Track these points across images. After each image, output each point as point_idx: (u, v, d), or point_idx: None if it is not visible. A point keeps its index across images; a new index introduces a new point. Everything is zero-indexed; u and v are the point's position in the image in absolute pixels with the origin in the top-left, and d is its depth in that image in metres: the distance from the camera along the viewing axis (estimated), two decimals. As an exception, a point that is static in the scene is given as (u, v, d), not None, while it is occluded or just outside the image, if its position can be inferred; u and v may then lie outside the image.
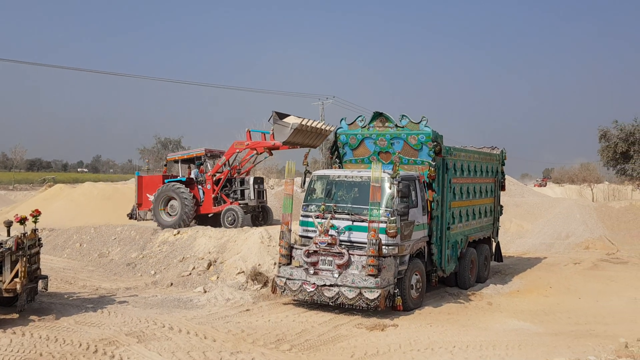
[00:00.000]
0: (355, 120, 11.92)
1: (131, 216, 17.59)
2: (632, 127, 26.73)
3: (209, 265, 12.43)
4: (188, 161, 17.40)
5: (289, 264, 10.32)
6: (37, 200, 29.46)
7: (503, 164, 15.21)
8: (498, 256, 15.22)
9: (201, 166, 16.88)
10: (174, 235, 14.24)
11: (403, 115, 11.41)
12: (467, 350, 7.94)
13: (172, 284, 11.93)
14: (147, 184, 17.05)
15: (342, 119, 12.29)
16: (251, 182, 16.16)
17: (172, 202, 15.95)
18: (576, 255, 18.01)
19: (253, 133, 16.19)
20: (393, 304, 9.78)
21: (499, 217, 15.14)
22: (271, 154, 16.10)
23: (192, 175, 16.77)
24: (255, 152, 16.11)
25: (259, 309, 10.12)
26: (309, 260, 10.08)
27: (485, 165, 13.90)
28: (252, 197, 16.06)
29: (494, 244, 15.01)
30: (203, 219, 16.51)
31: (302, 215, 10.78)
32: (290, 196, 10.68)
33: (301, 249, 10.23)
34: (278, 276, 10.38)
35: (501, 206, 15.29)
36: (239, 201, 16.08)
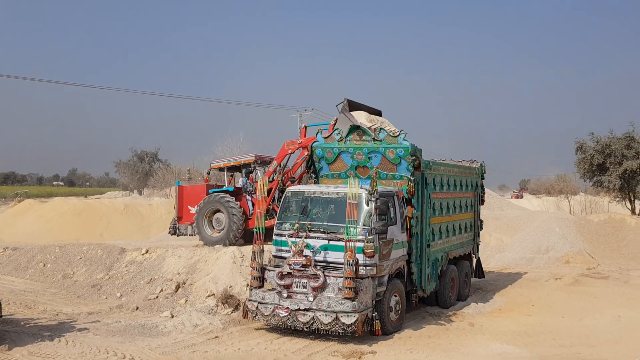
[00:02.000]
0: (331, 133, 11.49)
1: (172, 231, 15.68)
2: (608, 140, 26.87)
3: (178, 287, 11.77)
4: (234, 169, 15.33)
5: (261, 286, 9.74)
6: (5, 217, 28.40)
7: (483, 178, 14.92)
8: (479, 272, 14.85)
9: (250, 174, 14.87)
10: (142, 254, 13.53)
11: (381, 129, 11.06)
12: (449, 379, 7.49)
13: (137, 308, 11.24)
14: (189, 194, 15.15)
15: (318, 131, 11.89)
16: None
17: (218, 215, 14.13)
18: (557, 270, 17.78)
19: (310, 129, 13.76)
20: (371, 329, 9.25)
21: (479, 232, 14.80)
22: None
23: (240, 184, 14.85)
24: (307, 152, 13.53)
25: (229, 335, 9.51)
26: (282, 282, 9.52)
27: (465, 180, 13.57)
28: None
29: (474, 260, 14.63)
30: (250, 236, 14.71)
31: (275, 234, 10.25)
32: (262, 214, 10.15)
33: (274, 271, 9.67)
34: (250, 300, 9.80)
35: (481, 221, 14.95)
36: None
